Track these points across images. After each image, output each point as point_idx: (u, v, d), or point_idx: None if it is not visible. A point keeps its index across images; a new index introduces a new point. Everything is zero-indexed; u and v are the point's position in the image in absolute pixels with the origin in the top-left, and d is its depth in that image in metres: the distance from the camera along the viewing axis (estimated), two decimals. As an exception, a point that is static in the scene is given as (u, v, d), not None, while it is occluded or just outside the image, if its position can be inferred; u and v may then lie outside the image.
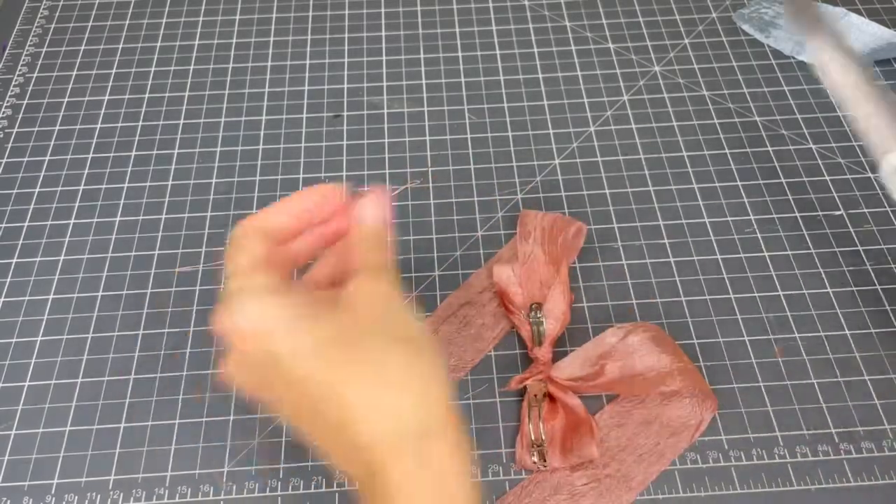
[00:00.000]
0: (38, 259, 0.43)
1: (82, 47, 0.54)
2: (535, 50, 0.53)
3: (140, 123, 0.49)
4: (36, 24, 0.56)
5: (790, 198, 0.44)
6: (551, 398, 0.36)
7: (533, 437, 0.34)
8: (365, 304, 0.27)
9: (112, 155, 0.47)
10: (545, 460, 0.34)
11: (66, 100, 0.50)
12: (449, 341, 0.38)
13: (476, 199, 0.44)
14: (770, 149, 0.46)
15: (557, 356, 0.37)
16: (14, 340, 0.39)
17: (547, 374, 0.36)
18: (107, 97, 0.51)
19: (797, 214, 0.43)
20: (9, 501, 0.34)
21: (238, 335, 0.26)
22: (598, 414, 0.36)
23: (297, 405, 0.26)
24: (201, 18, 0.56)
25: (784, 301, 0.40)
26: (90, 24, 0.56)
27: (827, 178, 0.45)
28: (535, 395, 0.36)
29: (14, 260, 0.43)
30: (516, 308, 0.38)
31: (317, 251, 0.30)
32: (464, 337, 0.39)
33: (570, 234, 0.41)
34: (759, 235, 0.42)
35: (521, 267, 0.39)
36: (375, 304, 0.27)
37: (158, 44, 0.54)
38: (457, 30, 0.54)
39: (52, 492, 0.35)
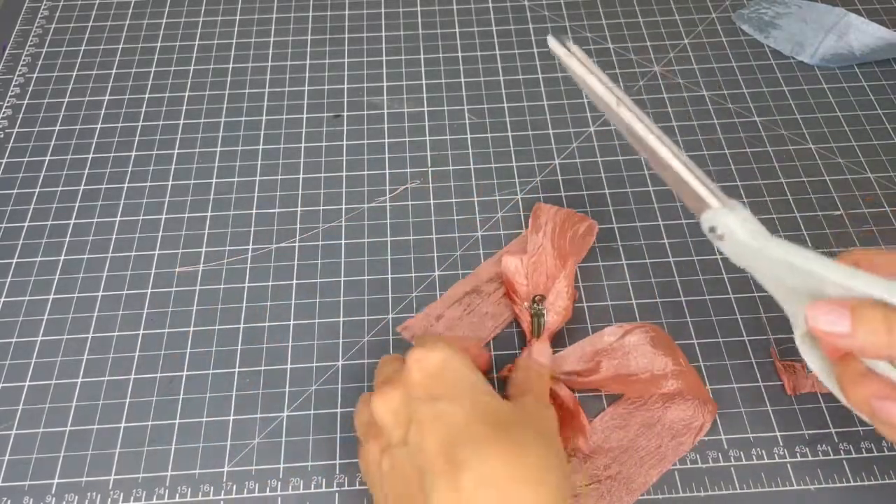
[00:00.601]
0: (38, 259, 0.43)
1: (82, 47, 0.54)
2: (535, 50, 0.53)
3: (140, 123, 0.49)
4: (36, 25, 0.56)
5: (790, 198, 0.44)
6: None
7: None
8: (535, 420, 0.30)
9: (112, 155, 0.47)
10: None
11: (66, 100, 0.50)
12: (450, 328, 0.39)
13: (476, 199, 0.44)
14: (770, 149, 0.46)
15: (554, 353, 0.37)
16: (14, 340, 0.39)
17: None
18: (107, 97, 0.51)
19: (797, 214, 0.43)
20: (9, 501, 0.34)
21: (420, 375, 0.29)
22: (600, 416, 0.36)
23: (409, 461, 0.28)
24: (201, 18, 0.56)
25: (784, 301, 0.40)
26: (90, 24, 0.56)
27: (827, 178, 0.45)
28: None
29: (14, 260, 0.43)
30: (519, 299, 0.39)
31: None
32: (466, 324, 0.39)
33: (580, 230, 0.41)
34: (758, 235, 0.42)
35: (529, 258, 0.39)
36: (544, 424, 0.31)
37: (158, 44, 0.54)
38: (457, 30, 0.54)
39: (53, 492, 0.35)
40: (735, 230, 0.28)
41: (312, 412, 0.37)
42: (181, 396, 0.37)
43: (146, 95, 0.51)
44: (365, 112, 0.49)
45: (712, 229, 0.29)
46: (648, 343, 0.37)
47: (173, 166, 0.47)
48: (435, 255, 0.42)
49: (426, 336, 0.33)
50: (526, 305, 0.38)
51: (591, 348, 0.37)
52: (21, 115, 0.50)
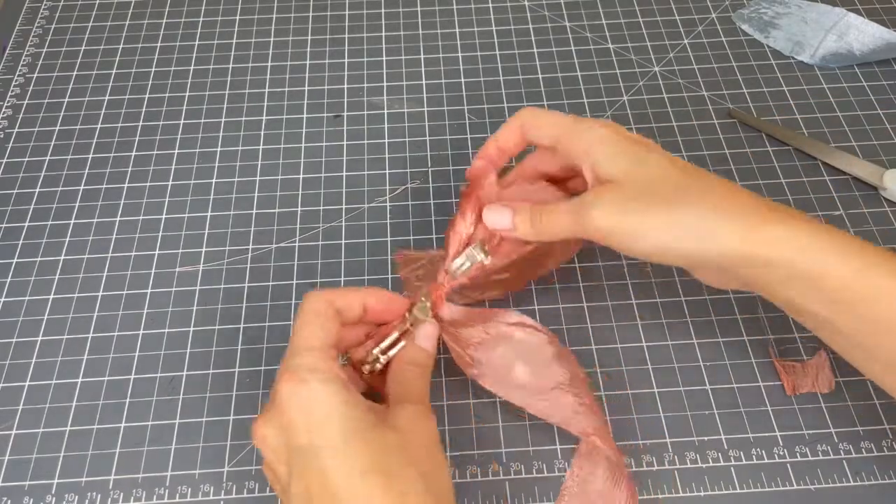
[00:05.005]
0: (38, 259, 0.43)
1: (82, 47, 0.54)
2: (535, 50, 0.53)
3: (140, 123, 0.49)
4: (36, 25, 0.56)
5: (790, 198, 0.44)
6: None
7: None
8: (416, 441, 0.28)
9: (112, 155, 0.47)
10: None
11: (66, 100, 0.50)
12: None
13: (476, 199, 0.44)
14: (770, 149, 0.46)
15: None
16: (14, 340, 0.39)
17: (439, 302, 0.35)
18: (107, 97, 0.51)
19: (797, 214, 0.43)
20: (9, 501, 0.34)
21: (291, 413, 0.27)
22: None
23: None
24: (201, 18, 0.56)
25: (784, 301, 0.40)
26: (90, 24, 0.56)
27: (827, 178, 0.45)
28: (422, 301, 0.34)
29: (14, 260, 0.43)
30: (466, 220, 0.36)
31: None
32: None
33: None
34: (758, 235, 0.42)
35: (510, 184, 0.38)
36: (425, 443, 0.28)
37: (158, 44, 0.54)
38: (457, 30, 0.54)
39: (53, 492, 0.35)
40: None
41: (312, 412, 0.37)
42: (181, 396, 0.37)
43: (146, 95, 0.51)
44: (365, 112, 0.49)
45: None
46: (537, 347, 0.36)
47: (173, 166, 0.47)
48: (435, 255, 0.42)
49: (300, 349, 0.28)
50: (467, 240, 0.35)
51: (481, 324, 0.36)
52: (21, 115, 0.50)
